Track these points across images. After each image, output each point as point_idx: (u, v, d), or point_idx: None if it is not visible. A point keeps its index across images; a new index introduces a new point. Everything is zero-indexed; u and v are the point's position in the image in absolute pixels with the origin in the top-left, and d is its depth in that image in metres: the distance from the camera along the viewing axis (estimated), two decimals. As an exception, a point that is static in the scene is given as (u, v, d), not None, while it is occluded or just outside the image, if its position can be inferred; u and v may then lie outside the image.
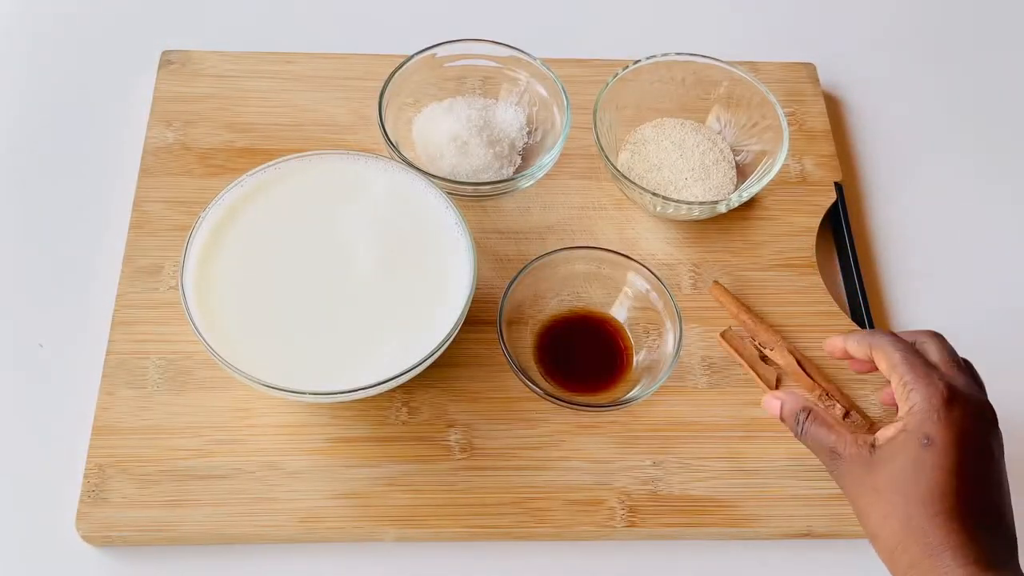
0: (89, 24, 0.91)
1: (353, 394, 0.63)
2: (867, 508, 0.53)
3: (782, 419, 0.59)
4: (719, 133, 0.83)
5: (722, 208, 0.77)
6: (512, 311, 0.72)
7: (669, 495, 0.69)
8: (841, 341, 0.61)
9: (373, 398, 0.69)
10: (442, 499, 0.68)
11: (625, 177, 0.76)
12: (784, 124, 0.78)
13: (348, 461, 0.69)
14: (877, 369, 0.59)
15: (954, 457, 0.52)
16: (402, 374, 0.63)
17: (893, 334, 0.59)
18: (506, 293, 0.71)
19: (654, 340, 0.72)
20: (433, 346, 0.64)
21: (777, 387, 0.73)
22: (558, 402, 0.68)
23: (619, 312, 0.74)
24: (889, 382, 0.57)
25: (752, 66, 0.88)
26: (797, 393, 0.61)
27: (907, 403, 0.55)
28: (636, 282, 0.73)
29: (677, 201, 0.75)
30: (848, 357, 0.61)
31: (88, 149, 0.83)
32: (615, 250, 0.74)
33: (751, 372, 0.73)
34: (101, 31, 0.91)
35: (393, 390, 0.67)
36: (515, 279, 0.72)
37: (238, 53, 0.86)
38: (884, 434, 0.55)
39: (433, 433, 0.70)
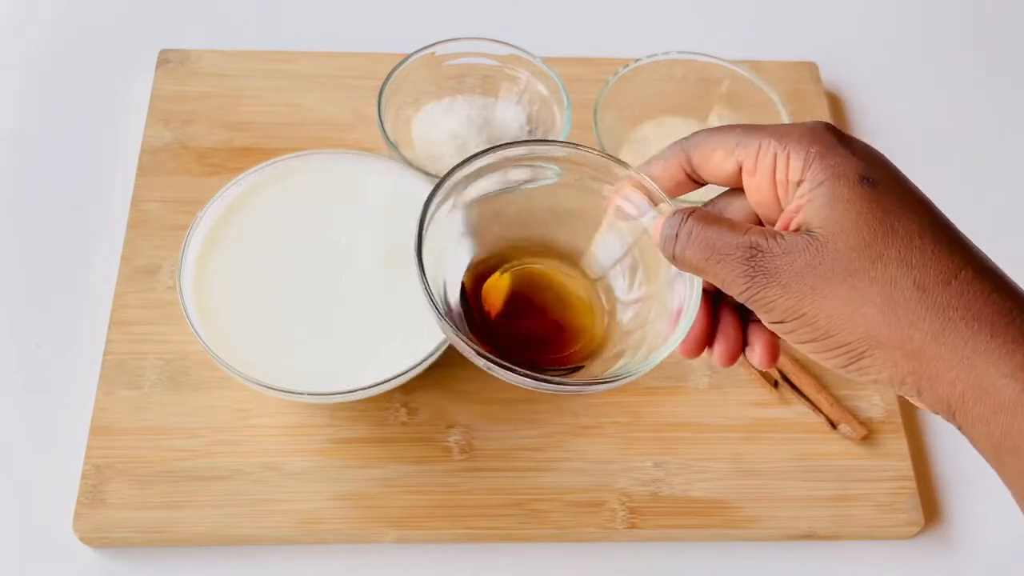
0: (86, 23, 0.91)
1: (352, 395, 0.63)
2: (844, 307, 0.39)
3: (657, 240, 0.44)
4: None
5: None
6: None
7: (670, 496, 0.69)
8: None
9: (373, 399, 0.69)
10: (442, 500, 0.67)
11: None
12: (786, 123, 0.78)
13: (348, 462, 0.68)
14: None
15: (907, 184, 0.40)
16: (402, 374, 0.63)
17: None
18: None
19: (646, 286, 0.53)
20: (433, 346, 0.64)
21: (776, 387, 0.72)
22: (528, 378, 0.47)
23: (594, 261, 0.53)
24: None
25: (754, 65, 0.87)
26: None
27: (803, 163, 0.41)
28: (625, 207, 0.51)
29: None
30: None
31: (85, 148, 0.83)
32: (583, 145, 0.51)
33: (753, 372, 0.73)
34: (98, 30, 0.90)
35: (393, 390, 0.67)
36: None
37: (236, 52, 0.86)
38: (799, 213, 0.40)
39: (433, 434, 0.70)
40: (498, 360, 0.46)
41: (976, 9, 0.99)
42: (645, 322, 0.50)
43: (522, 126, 0.81)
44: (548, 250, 0.54)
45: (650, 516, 0.68)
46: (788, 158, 0.41)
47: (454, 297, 0.51)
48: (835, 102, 0.90)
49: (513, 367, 0.45)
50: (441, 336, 0.64)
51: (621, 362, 0.49)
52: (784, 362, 0.73)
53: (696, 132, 0.44)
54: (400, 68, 0.79)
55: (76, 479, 0.67)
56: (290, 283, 0.67)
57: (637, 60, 0.80)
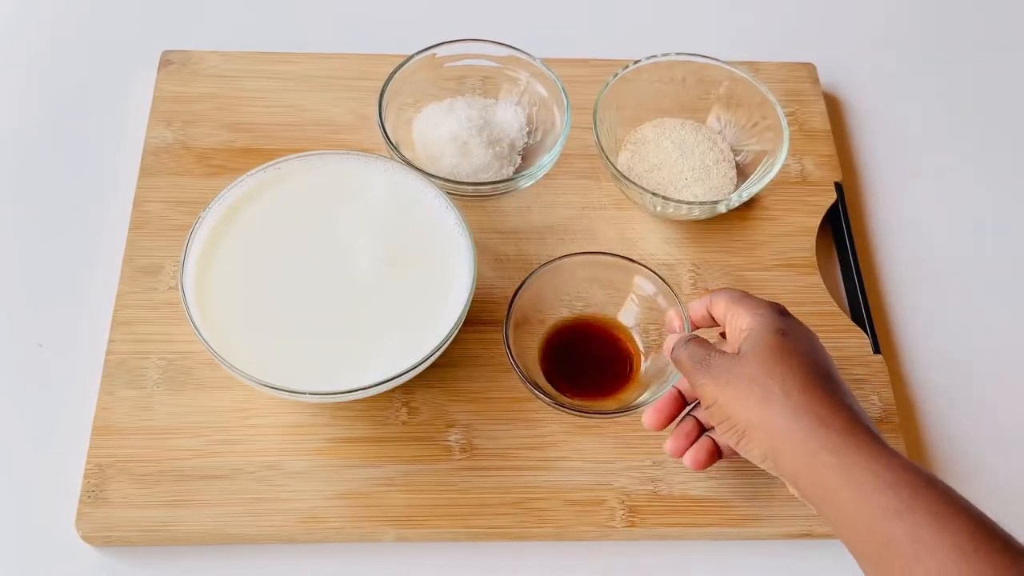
0: (89, 24, 0.91)
1: (353, 394, 0.63)
2: (739, 398, 0.58)
3: (669, 352, 0.64)
4: (719, 133, 0.83)
5: (722, 208, 0.77)
6: (517, 316, 0.71)
7: (669, 495, 0.69)
8: (698, 309, 0.67)
9: (373, 398, 0.69)
10: (442, 499, 0.68)
11: (625, 177, 0.76)
12: (784, 124, 0.78)
13: (348, 461, 0.69)
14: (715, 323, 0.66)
15: (809, 342, 0.60)
16: (402, 374, 0.63)
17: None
18: (513, 299, 0.71)
19: (661, 344, 0.72)
20: (433, 346, 0.64)
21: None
22: (564, 410, 0.68)
23: (626, 317, 0.74)
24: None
25: (752, 66, 0.88)
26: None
27: (751, 318, 0.61)
28: (643, 286, 0.73)
29: (677, 201, 0.75)
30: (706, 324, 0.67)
31: (88, 149, 0.83)
32: (622, 255, 0.73)
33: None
34: (101, 31, 0.91)
35: (393, 390, 0.67)
36: (523, 285, 0.71)
37: (238, 53, 0.86)
38: (739, 342, 0.61)
39: (433, 433, 0.70)
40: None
41: (975, 10, 0.99)
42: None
43: (522, 127, 0.81)
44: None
45: (649, 515, 0.68)
46: (748, 324, 0.62)
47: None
48: (833, 103, 0.90)
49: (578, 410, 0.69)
50: (441, 336, 0.65)
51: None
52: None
53: (717, 295, 0.65)
54: (401, 69, 0.79)
55: (78, 478, 0.67)
56: (291, 283, 0.68)
57: (636, 61, 0.81)
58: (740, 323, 0.61)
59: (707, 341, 0.63)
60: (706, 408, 0.61)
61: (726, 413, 0.59)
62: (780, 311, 0.62)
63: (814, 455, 0.54)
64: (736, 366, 0.59)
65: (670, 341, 0.65)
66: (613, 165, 0.76)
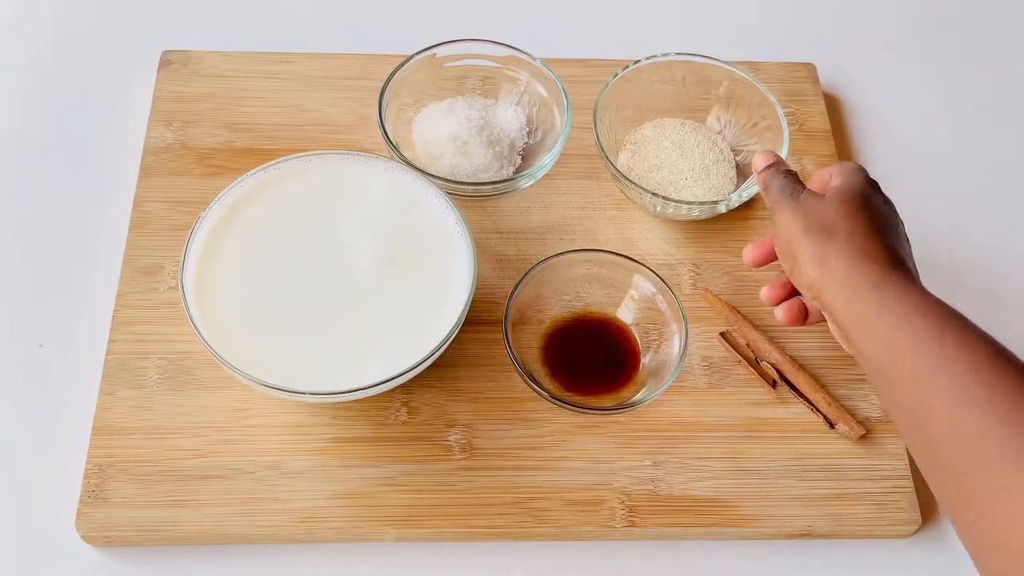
0: (89, 24, 0.91)
1: (353, 394, 0.63)
2: (808, 230, 0.62)
3: (759, 171, 0.69)
4: (719, 133, 0.83)
5: (722, 208, 0.77)
6: (516, 313, 0.72)
7: (669, 495, 0.69)
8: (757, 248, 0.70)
9: (373, 398, 0.69)
10: (442, 499, 0.68)
11: (625, 177, 0.76)
12: (784, 124, 0.78)
13: (348, 461, 0.69)
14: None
15: (889, 206, 0.64)
16: (402, 374, 0.64)
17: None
18: (511, 296, 0.71)
19: (659, 343, 0.72)
20: (433, 346, 0.64)
21: (775, 386, 0.73)
22: (563, 405, 0.68)
23: (625, 315, 0.74)
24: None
25: (753, 66, 0.88)
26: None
27: (845, 176, 0.65)
28: (642, 285, 0.73)
29: (677, 201, 0.75)
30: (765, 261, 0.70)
31: (88, 149, 0.83)
32: (620, 252, 0.74)
33: (752, 371, 0.73)
34: (101, 31, 0.91)
35: (393, 390, 0.67)
36: (520, 282, 0.72)
37: (238, 53, 0.86)
38: (826, 190, 0.65)
39: (433, 433, 0.70)
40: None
41: (974, 10, 0.99)
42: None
43: (522, 127, 0.81)
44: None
45: (649, 515, 0.68)
46: (832, 176, 0.67)
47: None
48: (833, 103, 0.90)
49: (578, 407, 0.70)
50: (441, 336, 0.65)
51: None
52: (782, 362, 0.73)
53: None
54: (401, 69, 0.79)
55: (78, 478, 0.67)
56: (291, 283, 0.68)
57: (636, 61, 0.81)
58: (833, 180, 0.66)
59: (793, 173, 0.68)
60: (773, 234, 0.66)
61: (789, 240, 0.63)
62: (873, 182, 0.66)
63: (857, 288, 0.58)
64: (818, 204, 0.63)
65: (760, 162, 0.69)
66: (613, 165, 0.76)
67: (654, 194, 0.75)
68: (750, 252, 0.70)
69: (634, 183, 0.76)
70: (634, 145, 0.82)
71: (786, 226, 0.64)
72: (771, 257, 0.69)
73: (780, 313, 0.68)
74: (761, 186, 0.69)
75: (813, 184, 0.68)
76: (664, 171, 0.80)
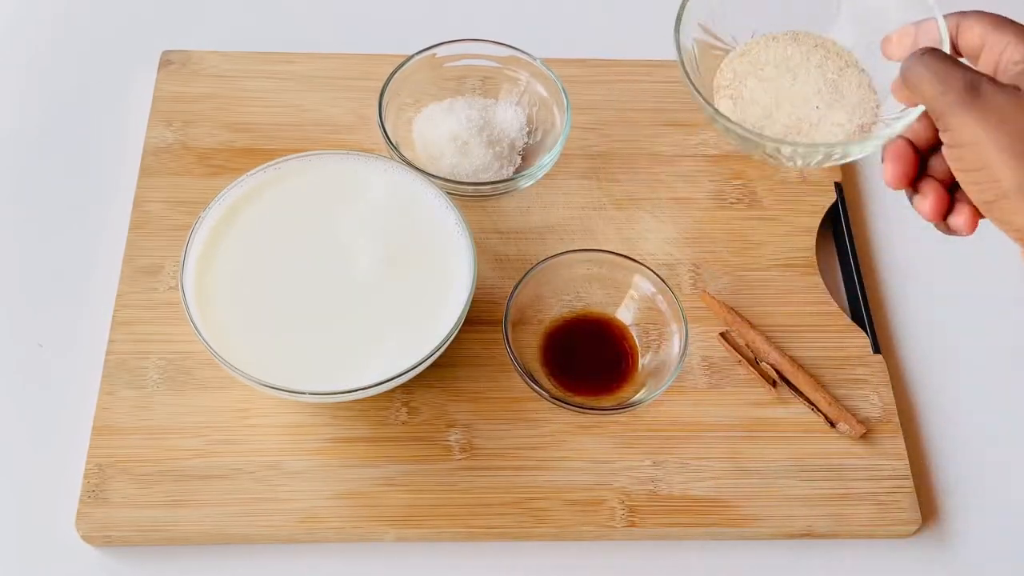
0: (89, 24, 0.91)
1: (353, 394, 0.63)
2: (1015, 145, 0.45)
3: (909, 61, 0.49)
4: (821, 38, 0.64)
5: (891, 132, 0.55)
6: (516, 313, 0.72)
7: (669, 495, 0.69)
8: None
9: (373, 398, 0.69)
10: (442, 499, 0.68)
11: (759, 135, 0.57)
12: None
13: (348, 461, 0.69)
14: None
15: None
16: (402, 374, 0.64)
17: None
18: (511, 296, 0.71)
19: (659, 343, 0.72)
20: (433, 346, 0.64)
21: (775, 386, 0.73)
22: (563, 405, 0.68)
23: (624, 315, 0.74)
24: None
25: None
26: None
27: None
28: (642, 285, 0.73)
29: (828, 145, 0.57)
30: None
31: (88, 149, 0.83)
32: (620, 252, 0.74)
33: (752, 371, 0.73)
34: (101, 31, 0.91)
35: (393, 390, 0.67)
36: (520, 282, 0.72)
37: (238, 53, 0.86)
38: (1010, 77, 0.48)
39: (433, 433, 0.70)
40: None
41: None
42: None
43: (522, 127, 0.81)
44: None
45: (649, 515, 0.68)
46: (1010, 47, 0.49)
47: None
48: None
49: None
50: (441, 336, 0.65)
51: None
52: (782, 362, 0.73)
53: (966, 17, 0.52)
54: (401, 69, 0.79)
55: (78, 478, 0.67)
56: (291, 283, 0.68)
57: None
58: (1014, 53, 0.49)
59: (952, 57, 0.49)
60: (956, 148, 0.48)
61: (985, 161, 0.46)
62: None
63: None
64: (1016, 104, 0.46)
65: (904, 43, 0.53)
66: (740, 126, 0.58)
67: (805, 145, 0.57)
68: (891, 167, 0.52)
69: (783, 141, 0.58)
70: (728, 89, 0.63)
71: (978, 142, 0.46)
72: (915, 167, 0.52)
73: (924, 205, 0.51)
74: (913, 81, 0.49)
75: (968, 47, 0.52)
76: (784, 108, 0.61)
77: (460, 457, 0.69)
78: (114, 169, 0.82)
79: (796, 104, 0.62)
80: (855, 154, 0.58)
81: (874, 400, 0.73)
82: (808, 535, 0.69)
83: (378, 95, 0.78)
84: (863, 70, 0.62)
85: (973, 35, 0.51)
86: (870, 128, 0.58)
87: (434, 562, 0.67)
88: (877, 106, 0.61)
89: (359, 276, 0.68)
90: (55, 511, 0.67)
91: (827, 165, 0.60)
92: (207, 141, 0.82)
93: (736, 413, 0.72)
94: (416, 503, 0.67)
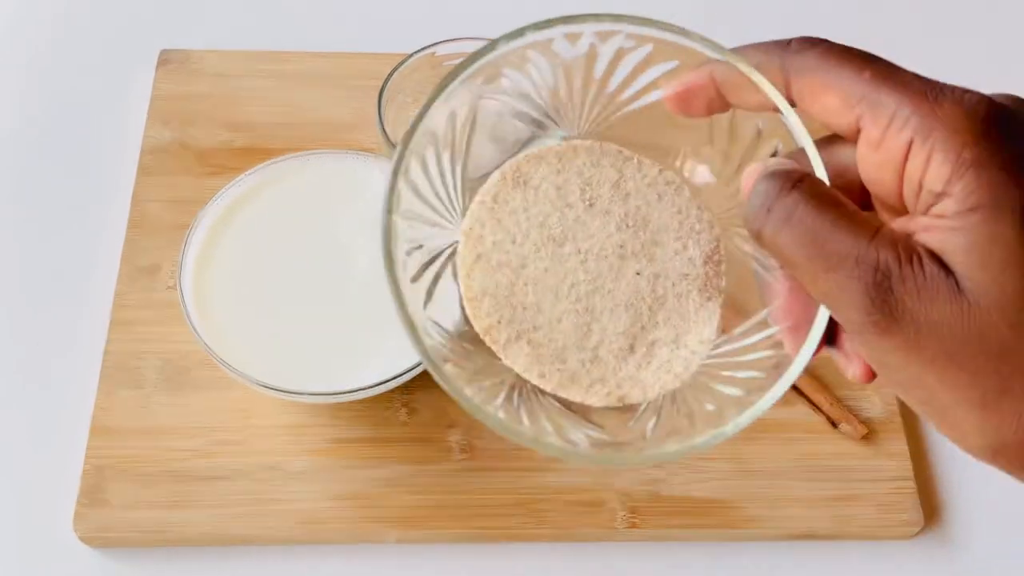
0: (87, 23, 0.91)
1: (353, 394, 0.63)
2: (956, 378, 0.29)
3: (745, 196, 0.33)
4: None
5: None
6: None
7: (671, 496, 0.69)
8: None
9: (373, 399, 0.69)
10: (443, 500, 0.67)
11: None
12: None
13: (348, 462, 0.68)
14: None
15: None
16: (402, 374, 0.63)
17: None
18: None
19: None
20: (433, 346, 0.64)
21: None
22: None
23: None
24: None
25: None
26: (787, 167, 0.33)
27: (957, 184, 0.29)
28: None
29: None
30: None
31: (86, 148, 0.83)
32: None
33: (753, 372, 0.73)
34: (99, 30, 0.90)
35: (393, 390, 0.67)
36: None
37: (237, 52, 0.86)
38: (932, 233, 0.29)
39: (433, 434, 0.70)
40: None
41: (975, 12, 0.99)
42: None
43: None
44: None
45: (650, 516, 0.68)
46: (929, 156, 0.30)
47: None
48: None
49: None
50: (441, 336, 0.64)
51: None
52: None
53: (807, 50, 0.33)
54: (400, 68, 0.79)
55: (76, 479, 0.67)
56: (290, 283, 0.67)
57: None
58: (918, 172, 0.30)
59: (843, 200, 0.31)
60: (887, 369, 0.31)
61: (937, 402, 0.30)
62: (1008, 129, 0.31)
63: None
64: (966, 320, 0.28)
65: (747, 183, 0.33)
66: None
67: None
68: (671, 88, 0.38)
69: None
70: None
71: (906, 367, 0.30)
72: (708, 104, 0.38)
73: (854, 371, 0.34)
74: (783, 255, 0.31)
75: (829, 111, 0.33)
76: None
77: (461, 458, 0.69)
78: (112, 168, 0.81)
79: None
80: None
81: (876, 401, 0.73)
82: (810, 536, 0.69)
83: (377, 94, 0.77)
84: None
85: (824, 101, 0.32)
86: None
87: (435, 563, 0.67)
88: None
89: (358, 276, 0.68)
90: (53, 511, 0.67)
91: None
92: (206, 140, 0.81)
93: (737, 413, 0.72)
94: (417, 504, 0.67)
